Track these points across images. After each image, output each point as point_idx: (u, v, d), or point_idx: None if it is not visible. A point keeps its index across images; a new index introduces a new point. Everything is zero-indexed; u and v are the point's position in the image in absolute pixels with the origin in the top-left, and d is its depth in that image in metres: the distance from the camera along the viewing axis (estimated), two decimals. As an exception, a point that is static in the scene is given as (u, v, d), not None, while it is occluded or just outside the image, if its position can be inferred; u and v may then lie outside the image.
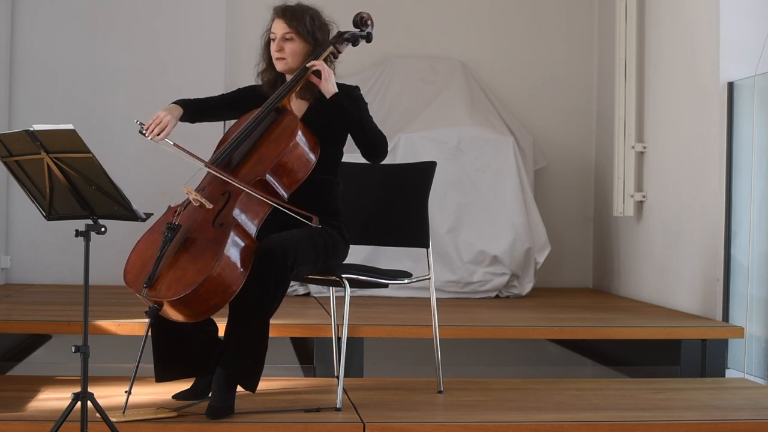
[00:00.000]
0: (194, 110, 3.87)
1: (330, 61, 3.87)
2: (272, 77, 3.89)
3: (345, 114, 3.72)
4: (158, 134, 3.67)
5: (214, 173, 3.63)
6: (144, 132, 3.68)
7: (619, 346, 5.30)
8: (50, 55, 6.50)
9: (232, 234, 3.50)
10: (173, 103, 3.84)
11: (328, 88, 3.72)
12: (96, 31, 6.54)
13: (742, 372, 4.86)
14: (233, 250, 3.48)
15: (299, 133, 3.68)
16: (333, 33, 3.89)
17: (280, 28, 3.81)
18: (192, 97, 3.93)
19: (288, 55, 3.81)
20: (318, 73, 3.75)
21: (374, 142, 3.74)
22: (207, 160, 3.71)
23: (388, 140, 3.79)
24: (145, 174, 6.21)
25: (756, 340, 4.88)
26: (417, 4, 6.99)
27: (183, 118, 3.83)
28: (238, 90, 4.01)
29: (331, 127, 3.78)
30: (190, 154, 3.59)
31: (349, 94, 3.81)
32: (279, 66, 3.83)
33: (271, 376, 4.14)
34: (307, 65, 3.75)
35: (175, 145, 3.63)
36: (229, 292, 3.47)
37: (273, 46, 3.82)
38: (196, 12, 6.62)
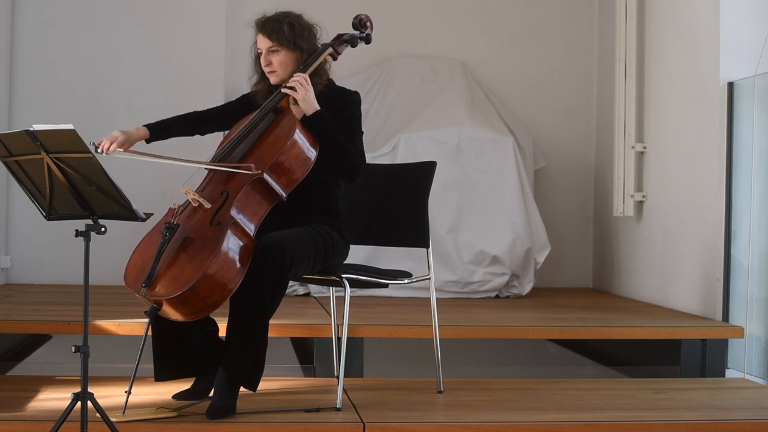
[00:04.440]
0: (169, 127, 3.88)
1: (327, 62, 3.87)
2: (266, 88, 3.89)
3: (323, 134, 3.72)
4: (107, 148, 3.65)
5: (187, 164, 3.62)
6: (98, 150, 3.67)
7: (619, 346, 5.30)
8: (50, 55, 6.50)
9: (229, 232, 3.50)
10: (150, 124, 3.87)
11: (306, 109, 3.72)
12: (96, 32, 6.54)
13: (742, 372, 4.86)
14: (230, 247, 3.49)
15: (297, 132, 3.68)
16: (318, 34, 3.87)
17: (263, 42, 3.82)
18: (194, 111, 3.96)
19: (277, 68, 3.81)
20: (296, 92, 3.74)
21: (344, 165, 3.74)
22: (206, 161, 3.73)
23: (360, 177, 3.78)
24: (145, 174, 6.20)
25: (756, 340, 4.88)
26: (417, 4, 6.99)
27: (151, 138, 3.84)
28: (234, 100, 4.02)
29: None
30: (147, 154, 3.59)
31: (346, 99, 3.82)
32: (272, 79, 3.83)
33: (271, 376, 4.14)
34: (282, 89, 3.76)
35: (128, 151, 3.64)
36: (227, 290, 3.48)
37: (262, 61, 3.84)
38: (196, 12, 6.62)
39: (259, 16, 3.86)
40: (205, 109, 4.00)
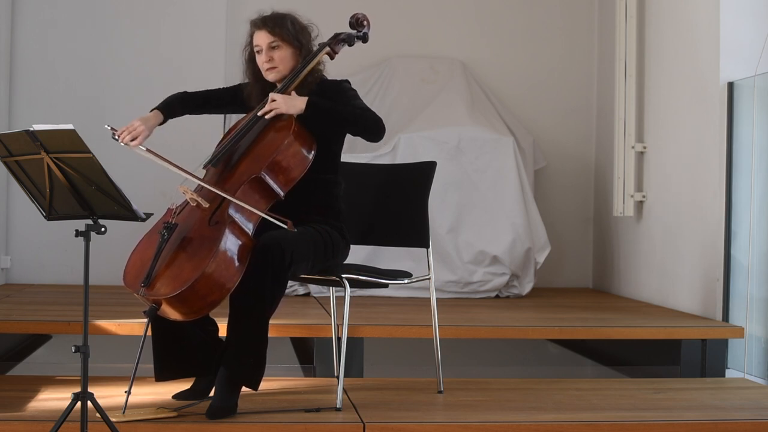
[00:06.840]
0: (180, 106, 3.91)
1: (321, 62, 3.87)
2: (259, 90, 3.87)
3: (324, 115, 3.72)
4: (131, 140, 3.67)
5: (194, 180, 3.61)
6: (116, 137, 3.68)
7: (619, 346, 5.30)
8: (50, 55, 6.50)
9: (227, 231, 3.51)
10: (164, 101, 3.87)
11: (296, 111, 3.70)
12: (96, 32, 6.54)
13: (742, 372, 4.86)
14: (229, 246, 3.49)
15: (294, 131, 3.69)
16: (314, 34, 3.88)
17: (263, 38, 3.80)
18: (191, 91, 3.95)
19: (278, 63, 3.80)
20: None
21: (363, 127, 3.71)
22: (206, 161, 3.74)
23: (383, 128, 3.74)
24: (145, 174, 6.19)
25: (756, 340, 4.88)
26: (417, 4, 6.99)
27: (167, 118, 3.86)
28: (229, 87, 4.02)
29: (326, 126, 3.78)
30: (167, 161, 3.57)
31: (336, 89, 3.81)
32: (271, 76, 3.82)
33: (271, 376, 4.14)
34: (258, 114, 3.75)
35: (148, 150, 3.61)
36: (226, 288, 3.48)
37: (261, 58, 3.82)
38: (196, 12, 6.62)
39: (255, 16, 3.86)
40: (201, 91, 3.98)
